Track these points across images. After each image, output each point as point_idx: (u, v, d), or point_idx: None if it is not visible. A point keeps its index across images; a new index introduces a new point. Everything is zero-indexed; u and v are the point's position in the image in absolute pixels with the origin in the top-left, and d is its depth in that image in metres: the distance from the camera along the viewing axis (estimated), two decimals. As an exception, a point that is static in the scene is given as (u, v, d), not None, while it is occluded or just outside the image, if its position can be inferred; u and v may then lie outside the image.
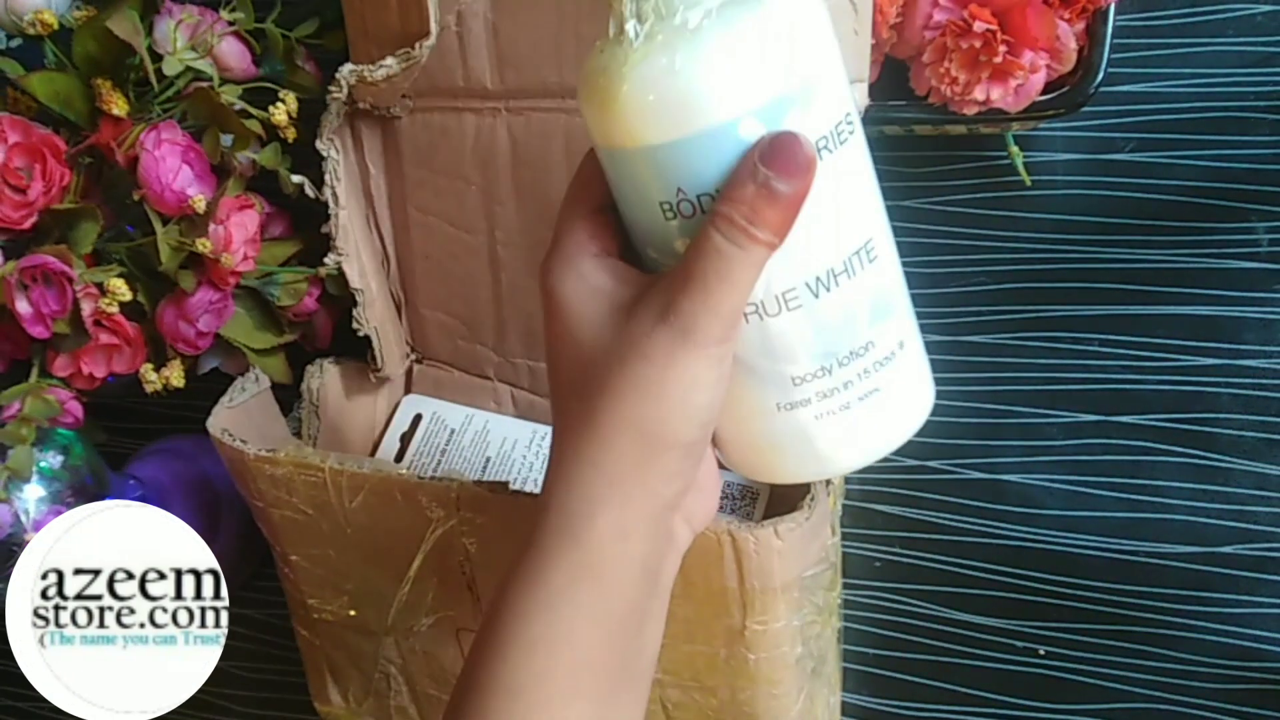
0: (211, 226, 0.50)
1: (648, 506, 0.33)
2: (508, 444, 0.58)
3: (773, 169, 0.30)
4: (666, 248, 0.32)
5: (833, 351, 0.33)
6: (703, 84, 0.29)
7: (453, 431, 0.59)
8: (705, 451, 0.35)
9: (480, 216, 0.55)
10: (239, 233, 0.51)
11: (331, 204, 0.54)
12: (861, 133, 0.32)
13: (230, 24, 0.54)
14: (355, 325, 0.56)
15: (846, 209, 0.32)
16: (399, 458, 0.59)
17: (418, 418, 0.60)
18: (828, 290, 0.32)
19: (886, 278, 0.34)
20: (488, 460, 0.58)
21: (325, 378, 0.58)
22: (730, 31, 0.29)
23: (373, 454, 0.60)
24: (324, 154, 0.53)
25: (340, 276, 0.55)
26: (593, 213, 0.35)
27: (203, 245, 0.50)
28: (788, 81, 0.30)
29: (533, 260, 0.55)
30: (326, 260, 0.55)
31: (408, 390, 0.61)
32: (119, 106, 0.50)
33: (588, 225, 0.34)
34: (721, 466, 0.38)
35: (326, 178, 0.53)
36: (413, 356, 0.61)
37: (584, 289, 0.34)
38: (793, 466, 0.35)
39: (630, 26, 0.30)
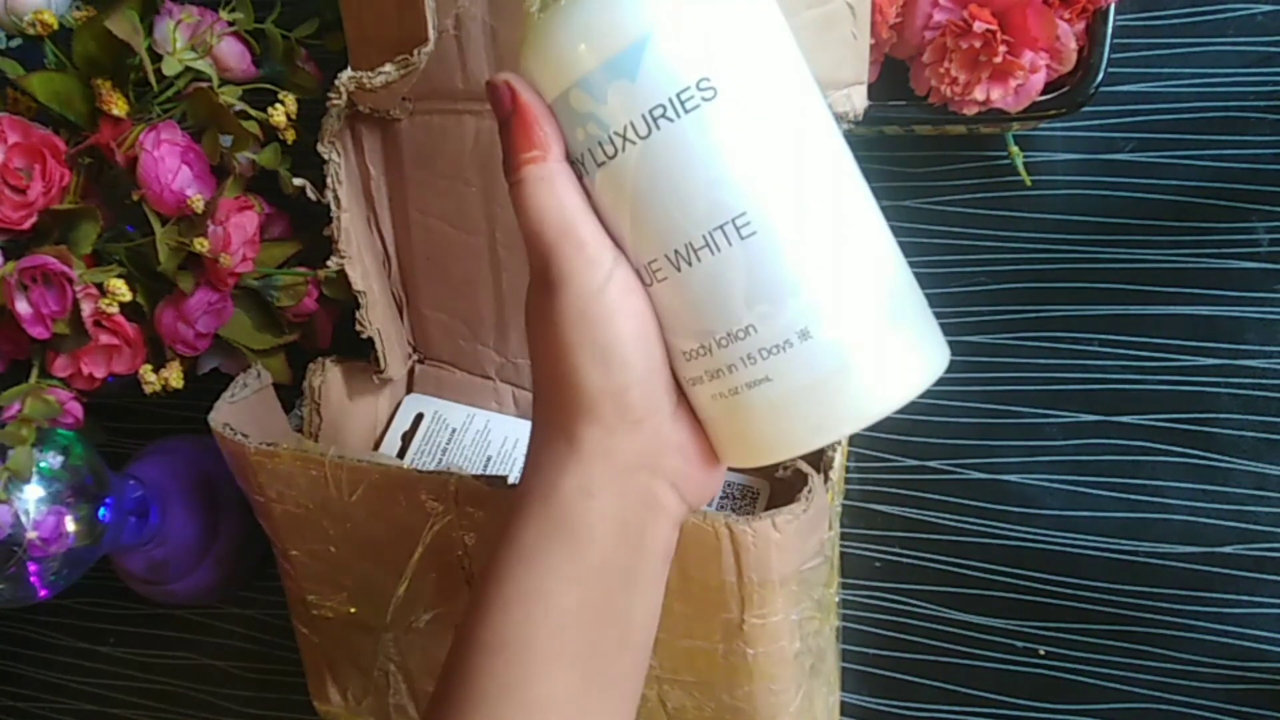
0: (210, 227, 0.50)
1: (609, 464, 0.33)
2: (509, 443, 0.58)
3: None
4: None
5: (708, 330, 0.32)
6: (538, 62, 0.32)
7: (454, 431, 0.59)
8: (665, 408, 0.34)
9: (481, 218, 0.55)
10: (238, 233, 0.51)
11: (333, 207, 0.54)
12: (733, 104, 0.31)
13: (230, 24, 0.54)
14: (359, 328, 0.56)
15: (705, 180, 0.31)
16: (400, 456, 0.59)
17: (419, 417, 0.60)
18: (689, 264, 0.31)
19: (772, 257, 0.31)
20: (489, 459, 0.58)
21: (327, 376, 0.58)
22: (556, 14, 0.31)
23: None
24: (325, 157, 0.53)
25: (340, 278, 0.55)
26: None
27: (200, 245, 0.50)
28: (600, 55, 0.30)
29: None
30: (329, 263, 0.55)
31: (409, 390, 0.61)
32: (119, 107, 0.50)
33: None
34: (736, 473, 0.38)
35: (328, 181, 0.53)
36: (415, 357, 0.61)
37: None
38: (722, 446, 0.35)
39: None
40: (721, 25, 0.31)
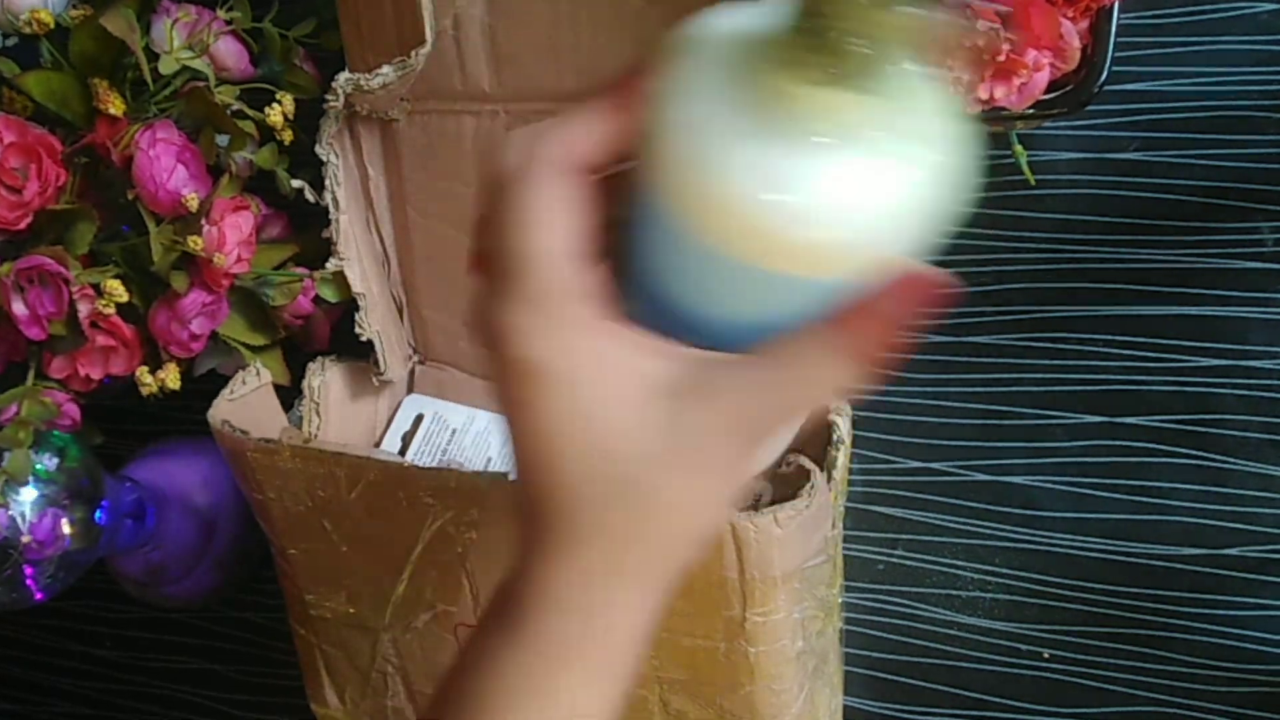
0: (205, 226, 0.50)
1: (659, 601, 0.30)
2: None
3: (894, 304, 0.26)
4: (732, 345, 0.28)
5: None
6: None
7: (454, 431, 0.59)
8: None
9: (480, 217, 0.54)
10: (233, 234, 0.51)
11: (332, 209, 0.54)
12: None
13: (227, 23, 0.53)
14: (358, 330, 0.56)
15: None
16: (400, 456, 0.59)
17: (419, 418, 0.60)
18: None
19: None
20: (489, 460, 0.58)
21: (327, 376, 0.57)
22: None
23: (372, 455, 0.60)
24: (324, 159, 0.53)
25: (337, 280, 0.55)
26: (589, 262, 0.28)
27: (193, 243, 0.50)
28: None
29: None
30: (328, 265, 0.54)
31: (410, 390, 0.61)
32: (115, 106, 0.50)
33: (587, 280, 0.27)
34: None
35: (326, 182, 0.53)
36: (415, 358, 0.61)
37: (606, 365, 0.27)
38: None
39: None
40: None
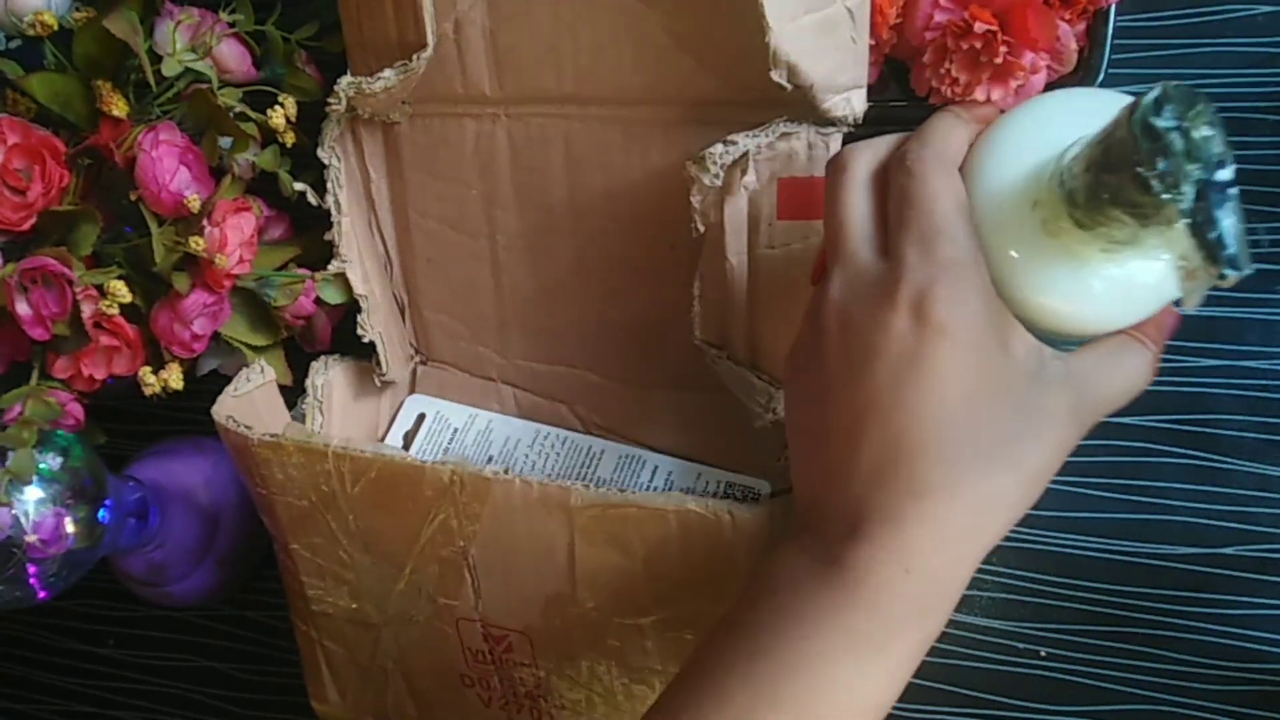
0: (207, 228, 0.50)
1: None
2: (510, 443, 0.58)
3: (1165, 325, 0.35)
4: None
5: None
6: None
7: (456, 431, 0.59)
8: None
9: (481, 220, 0.55)
10: (234, 235, 0.51)
11: (334, 211, 0.54)
12: None
13: (230, 26, 0.54)
14: (360, 331, 0.56)
15: None
16: (401, 456, 0.59)
17: (421, 417, 0.60)
18: None
19: None
20: (490, 459, 0.58)
21: (330, 375, 0.58)
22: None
23: (374, 454, 0.60)
24: (325, 162, 0.53)
25: (338, 282, 0.55)
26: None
27: (196, 244, 0.50)
28: None
29: (533, 264, 0.55)
30: (330, 266, 0.55)
31: (412, 390, 0.62)
32: (119, 108, 0.50)
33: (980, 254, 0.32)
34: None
35: (328, 185, 0.53)
36: (417, 358, 0.61)
37: (995, 337, 0.31)
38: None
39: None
40: None
